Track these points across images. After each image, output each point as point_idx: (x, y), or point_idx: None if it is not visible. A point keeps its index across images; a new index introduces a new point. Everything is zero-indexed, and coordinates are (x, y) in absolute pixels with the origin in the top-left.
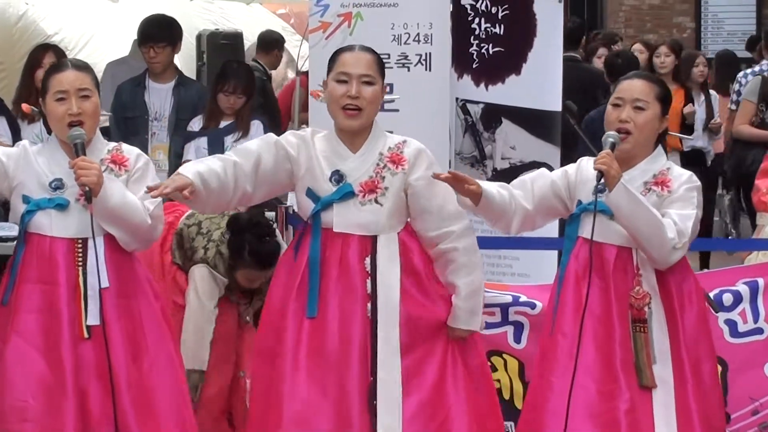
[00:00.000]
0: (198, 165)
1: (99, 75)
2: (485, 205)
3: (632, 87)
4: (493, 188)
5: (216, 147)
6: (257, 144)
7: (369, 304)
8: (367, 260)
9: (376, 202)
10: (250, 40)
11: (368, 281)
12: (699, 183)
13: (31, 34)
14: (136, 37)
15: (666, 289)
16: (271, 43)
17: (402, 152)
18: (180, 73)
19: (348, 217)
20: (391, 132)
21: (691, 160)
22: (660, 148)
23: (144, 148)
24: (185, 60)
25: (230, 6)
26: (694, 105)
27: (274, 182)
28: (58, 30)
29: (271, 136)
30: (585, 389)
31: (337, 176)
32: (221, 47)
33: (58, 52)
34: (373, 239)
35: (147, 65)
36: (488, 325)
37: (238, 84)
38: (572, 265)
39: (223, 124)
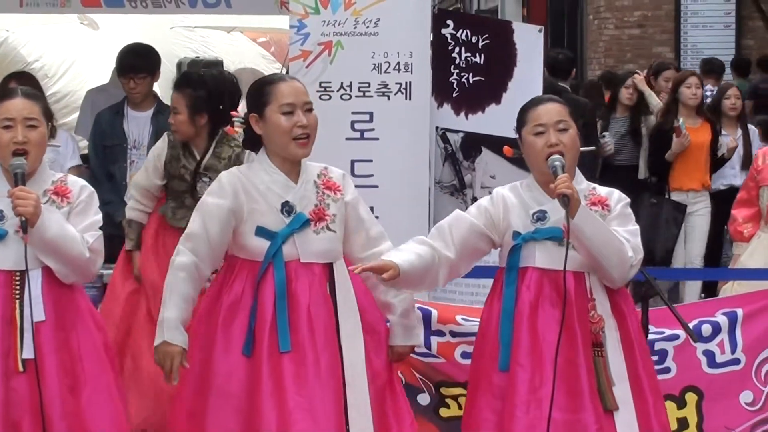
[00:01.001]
0: None
1: (79, 102)
2: (406, 278)
3: (550, 111)
4: (411, 256)
5: None
6: (198, 227)
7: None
8: (327, 287)
9: (329, 229)
10: (230, 67)
11: (333, 308)
12: (629, 198)
13: (11, 60)
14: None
15: (618, 310)
16: None
17: (331, 178)
18: (159, 101)
19: (308, 247)
20: (371, 161)
21: (726, 198)
22: (577, 168)
23: (123, 176)
24: (165, 88)
25: (211, 34)
26: (721, 138)
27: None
28: (38, 57)
29: (201, 208)
30: (553, 421)
31: (288, 207)
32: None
33: (29, 79)
34: (330, 266)
35: (126, 94)
36: (466, 355)
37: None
38: (524, 295)
39: None
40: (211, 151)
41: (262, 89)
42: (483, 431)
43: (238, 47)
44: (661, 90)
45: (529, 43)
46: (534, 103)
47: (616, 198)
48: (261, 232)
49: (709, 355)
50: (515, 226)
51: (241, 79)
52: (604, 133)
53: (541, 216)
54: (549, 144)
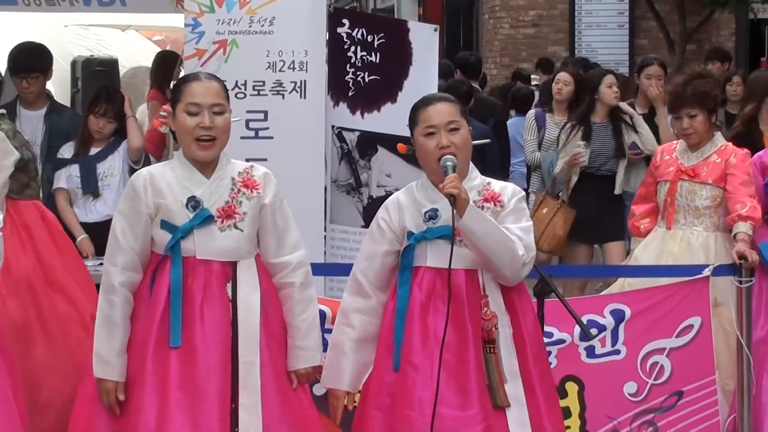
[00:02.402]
0: None
1: None
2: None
3: (441, 112)
4: (356, 355)
5: (88, 175)
6: (120, 236)
7: (231, 331)
8: (228, 286)
9: (236, 227)
10: (125, 66)
11: (230, 307)
12: (524, 192)
13: None
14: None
15: (511, 307)
16: None
17: (253, 176)
18: (52, 100)
19: (208, 244)
20: (266, 159)
21: None
22: (472, 164)
23: None
24: (60, 86)
25: (106, 32)
26: None
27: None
28: None
29: (117, 216)
30: (440, 417)
31: (194, 202)
32: (96, 74)
33: None
34: (234, 265)
35: (18, 93)
36: None
37: (109, 108)
38: (416, 295)
39: (94, 150)
40: None
41: (178, 86)
42: (370, 428)
43: (134, 46)
44: (644, 88)
45: (425, 42)
46: (424, 103)
47: (510, 193)
48: (164, 225)
49: (589, 348)
50: (409, 226)
51: (137, 76)
52: (579, 143)
53: (432, 215)
54: (440, 146)
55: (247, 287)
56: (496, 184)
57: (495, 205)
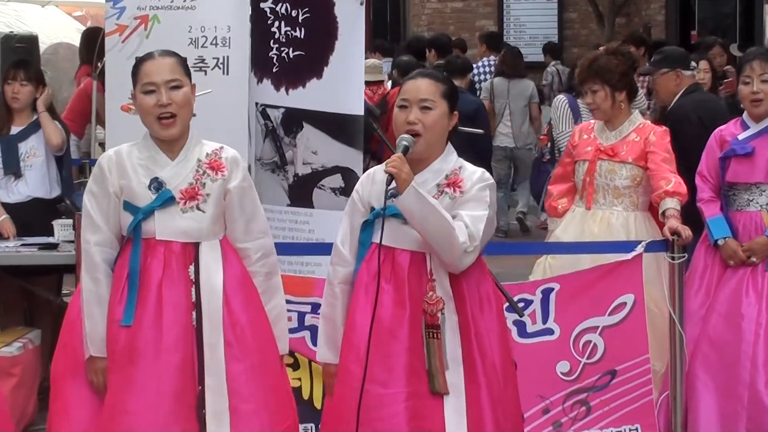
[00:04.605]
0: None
1: None
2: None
3: (417, 87)
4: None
5: (9, 154)
6: (94, 216)
7: (194, 312)
8: (191, 268)
9: (198, 209)
10: (45, 42)
11: (192, 289)
12: (492, 180)
13: None
14: None
15: (460, 294)
16: None
17: (220, 158)
18: None
19: (170, 225)
20: None
21: None
22: (450, 146)
23: None
24: None
25: (25, 8)
26: None
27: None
28: None
29: (87, 197)
30: (366, 393)
31: (156, 184)
32: (16, 50)
33: None
34: (196, 246)
35: None
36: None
37: (19, 72)
38: (363, 272)
39: (15, 130)
40: None
41: (134, 68)
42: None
43: (54, 21)
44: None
45: (350, 16)
46: (410, 77)
47: (475, 179)
48: (128, 206)
49: (520, 325)
50: (373, 202)
51: (58, 53)
52: None
53: (395, 193)
54: (407, 121)
55: (210, 269)
56: (467, 170)
57: (454, 190)
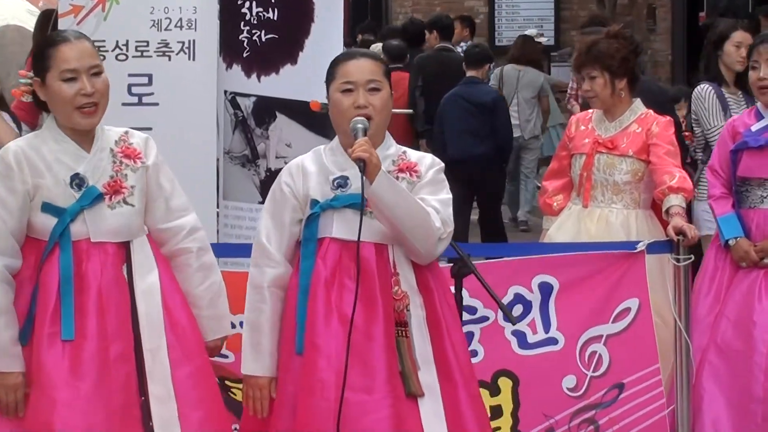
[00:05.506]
0: None
1: None
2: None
3: (362, 68)
4: (277, 334)
5: None
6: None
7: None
8: (124, 268)
9: (126, 203)
10: None
11: (129, 291)
12: (443, 163)
13: None
14: None
15: (427, 288)
16: None
17: (131, 144)
18: None
19: (101, 225)
20: (150, 129)
21: None
22: (387, 132)
23: None
24: None
25: None
26: None
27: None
28: None
29: None
30: (344, 402)
31: (78, 180)
32: None
33: None
34: (127, 245)
35: None
36: None
37: None
38: (319, 269)
39: None
40: None
41: (44, 51)
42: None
43: (2, 1)
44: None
45: None
46: (346, 57)
47: (428, 163)
48: (47, 208)
49: (520, 335)
50: (314, 194)
51: (6, 36)
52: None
53: (342, 182)
54: (356, 105)
55: (143, 268)
56: (413, 154)
57: (411, 175)
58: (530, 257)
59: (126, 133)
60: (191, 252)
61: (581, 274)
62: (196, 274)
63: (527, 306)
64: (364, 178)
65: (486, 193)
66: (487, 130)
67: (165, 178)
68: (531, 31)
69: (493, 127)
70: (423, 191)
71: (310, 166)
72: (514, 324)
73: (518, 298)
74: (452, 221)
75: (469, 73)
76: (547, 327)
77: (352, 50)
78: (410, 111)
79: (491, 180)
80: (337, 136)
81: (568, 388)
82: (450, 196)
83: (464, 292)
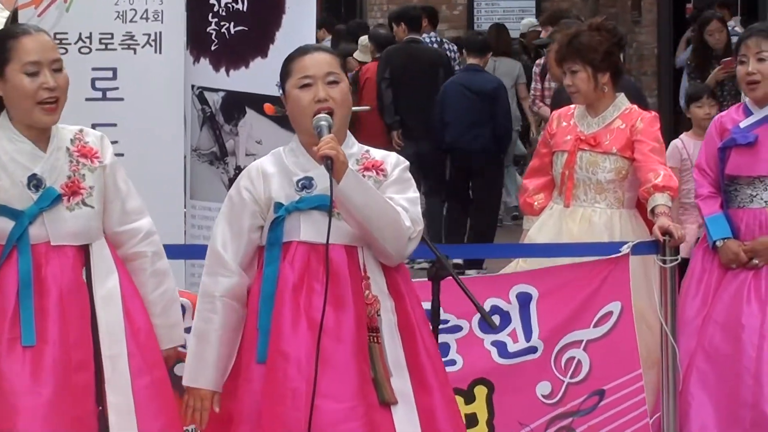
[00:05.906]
0: None
1: None
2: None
3: (319, 62)
4: (225, 348)
5: None
6: None
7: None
8: (83, 272)
9: (85, 204)
10: None
11: (89, 296)
12: (408, 162)
13: None
14: None
15: (397, 291)
16: None
17: (87, 143)
18: None
19: (61, 227)
20: (115, 125)
21: None
22: (348, 131)
23: None
24: None
25: None
26: None
27: None
28: None
29: None
30: (316, 410)
31: (36, 181)
32: None
33: None
34: (87, 248)
35: None
36: None
37: None
38: (287, 274)
39: None
40: None
41: (3, 43)
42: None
43: None
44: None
45: None
46: (300, 52)
47: (394, 162)
48: (4, 211)
49: (500, 345)
50: (277, 197)
51: None
52: None
53: (306, 183)
54: (317, 99)
55: (103, 272)
56: (377, 153)
57: (377, 174)
58: (507, 274)
59: (81, 131)
60: (146, 256)
61: (562, 281)
62: (150, 279)
63: (505, 317)
64: (331, 177)
65: (483, 180)
66: (487, 118)
67: (121, 179)
68: (530, 21)
69: (493, 116)
70: (390, 190)
71: (270, 168)
72: (494, 328)
73: (495, 309)
74: (421, 220)
75: (470, 61)
76: (528, 335)
77: (305, 45)
78: (368, 108)
79: (489, 168)
80: (296, 136)
81: (542, 395)
82: (417, 194)
83: None
